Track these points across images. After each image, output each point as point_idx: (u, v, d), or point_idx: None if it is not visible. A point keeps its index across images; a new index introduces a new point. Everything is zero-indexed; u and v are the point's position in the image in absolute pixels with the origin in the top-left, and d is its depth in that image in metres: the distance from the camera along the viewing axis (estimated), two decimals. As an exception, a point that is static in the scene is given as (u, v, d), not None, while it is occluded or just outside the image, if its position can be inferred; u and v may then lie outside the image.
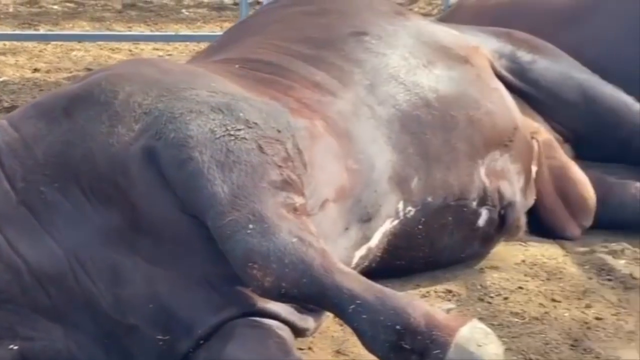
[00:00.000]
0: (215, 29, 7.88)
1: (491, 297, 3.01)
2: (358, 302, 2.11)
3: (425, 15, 9.59)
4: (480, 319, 2.83)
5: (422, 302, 2.14)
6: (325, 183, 2.69)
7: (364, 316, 2.09)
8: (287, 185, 2.38)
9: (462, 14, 5.09)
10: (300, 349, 2.61)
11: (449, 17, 5.28)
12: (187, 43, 7.22)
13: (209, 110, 2.44)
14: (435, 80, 3.16)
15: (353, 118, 2.92)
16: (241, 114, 2.47)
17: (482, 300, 3.00)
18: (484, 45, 3.61)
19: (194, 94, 2.52)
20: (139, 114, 2.45)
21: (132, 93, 2.49)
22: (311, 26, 3.28)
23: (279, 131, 2.51)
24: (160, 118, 2.41)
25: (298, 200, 2.37)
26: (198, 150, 2.34)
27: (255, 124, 2.47)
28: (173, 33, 7.56)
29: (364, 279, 2.22)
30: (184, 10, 9.06)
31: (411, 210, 2.98)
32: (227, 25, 7.68)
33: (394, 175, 2.93)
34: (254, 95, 2.69)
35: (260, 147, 2.41)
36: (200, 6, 9.33)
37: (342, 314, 2.15)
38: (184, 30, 8.00)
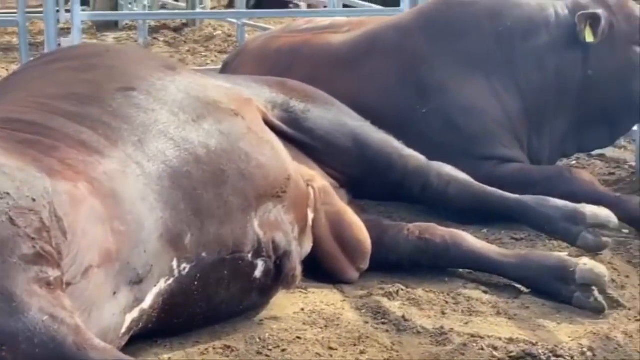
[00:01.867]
0: (2, 72, 7.58)
1: (269, 350, 3.02)
2: (109, 380, 2.07)
3: (221, 52, 9.63)
4: (258, 373, 2.85)
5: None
6: (89, 249, 2.61)
7: (114, 394, 2.05)
8: (40, 258, 2.30)
9: (245, 58, 5.16)
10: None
11: (233, 60, 5.34)
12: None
13: None
14: (205, 135, 3.15)
15: (121, 177, 2.86)
16: (-9, 184, 2.36)
17: (260, 353, 3.00)
18: (257, 97, 3.65)
19: (-61, 164, 2.39)
20: None
21: None
22: (76, 82, 3.19)
23: (33, 200, 2.42)
24: None
25: (53, 273, 2.29)
26: (-59, 227, 2.22)
27: (7, 194, 2.38)
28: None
29: (119, 353, 2.17)
30: (-33, 52, 8.67)
31: (186, 267, 2.96)
32: (15, 67, 7.39)
33: (165, 233, 2.88)
34: (10, 161, 2.57)
35: (11, 219, 2.32)
36: (-15, 47, 8.96)
37: (94, 393, 2.10)
38: (-34, 73, 7.62)
